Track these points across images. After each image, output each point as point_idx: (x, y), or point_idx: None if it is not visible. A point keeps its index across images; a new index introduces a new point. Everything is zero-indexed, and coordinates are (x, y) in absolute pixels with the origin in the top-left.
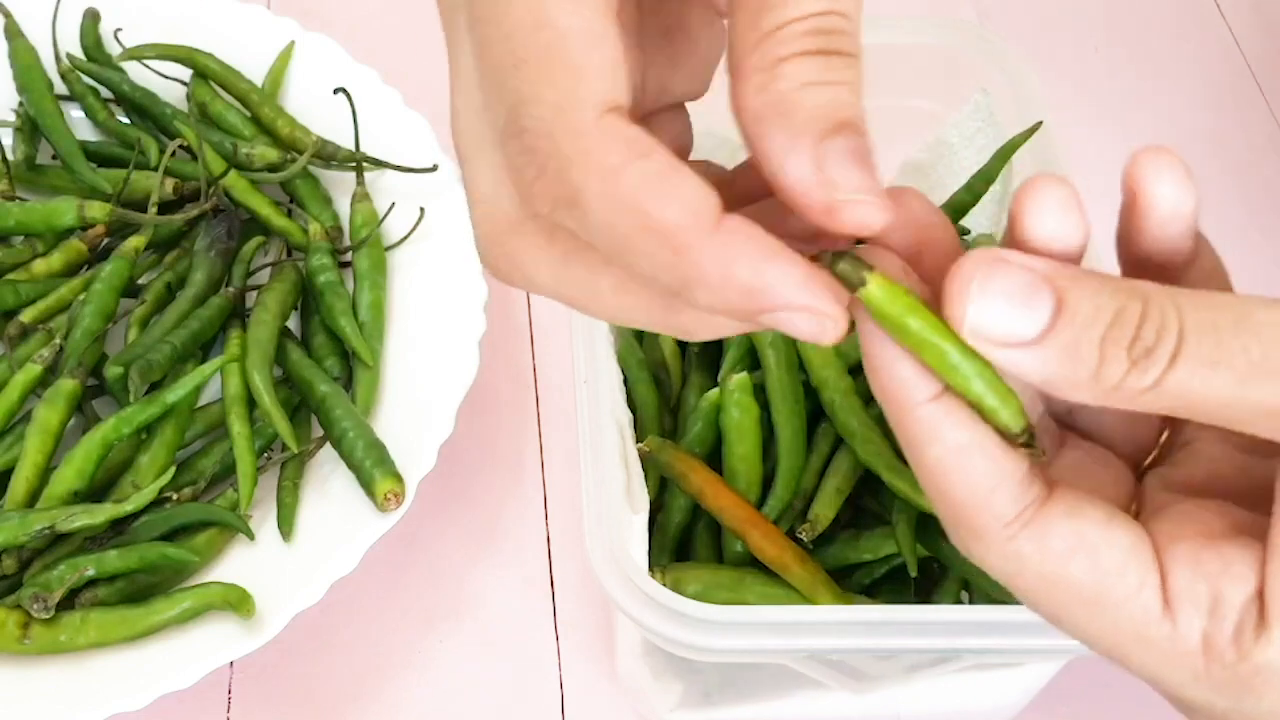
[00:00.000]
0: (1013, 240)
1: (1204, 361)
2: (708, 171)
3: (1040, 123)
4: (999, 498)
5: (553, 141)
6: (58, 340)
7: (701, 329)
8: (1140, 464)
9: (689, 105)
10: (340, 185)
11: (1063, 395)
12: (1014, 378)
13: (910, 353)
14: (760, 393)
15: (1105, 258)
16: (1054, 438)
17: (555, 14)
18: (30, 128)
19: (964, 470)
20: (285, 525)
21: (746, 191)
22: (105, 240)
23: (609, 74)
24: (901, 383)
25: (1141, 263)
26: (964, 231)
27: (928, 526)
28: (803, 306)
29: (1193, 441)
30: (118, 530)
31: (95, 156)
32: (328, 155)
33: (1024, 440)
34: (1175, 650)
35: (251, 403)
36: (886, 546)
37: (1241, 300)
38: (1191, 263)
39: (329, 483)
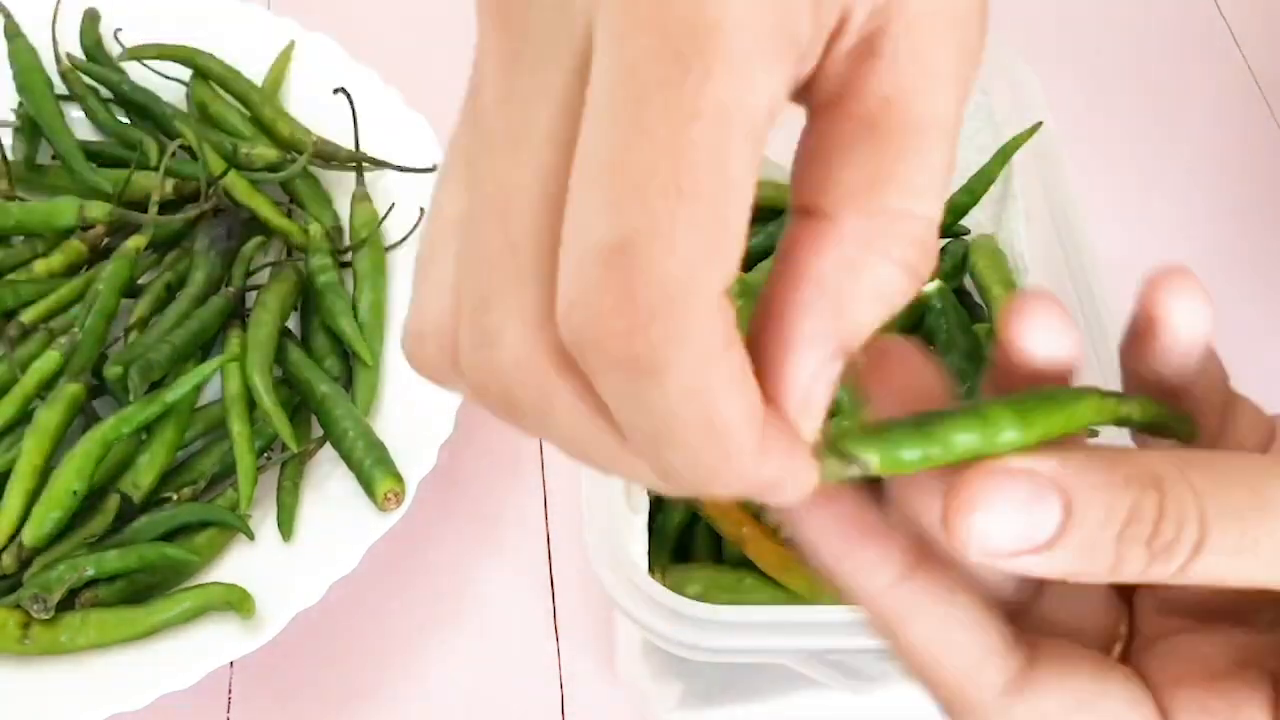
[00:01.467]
0: (1003, 363)
1: (1229, 550)
2: None
3: (1040, 123)
4: (987, 670)
5: (666, 301)
6: (76, 329)
7: (635, 476)
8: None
9: None
10: (340, 185)
11: (1080, 581)
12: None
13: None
14: None
15: (1103, 258)
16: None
17: (732, 150)
18: (30, 128)
19: (948, 646)
20: (285, 525)
21: None
22: (105, 240)
23: (741, 243)
24: (866, 570)
25: (1146, 378)
26: (964, 231)
27: None
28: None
29: None
30: (117, 530)
31: (95, 156)
32: (328, 155)
33: None
34: None
35: (251, 403)
36: None
37: (1259, 471)
38: (1198, 378)
39: (329, 483)
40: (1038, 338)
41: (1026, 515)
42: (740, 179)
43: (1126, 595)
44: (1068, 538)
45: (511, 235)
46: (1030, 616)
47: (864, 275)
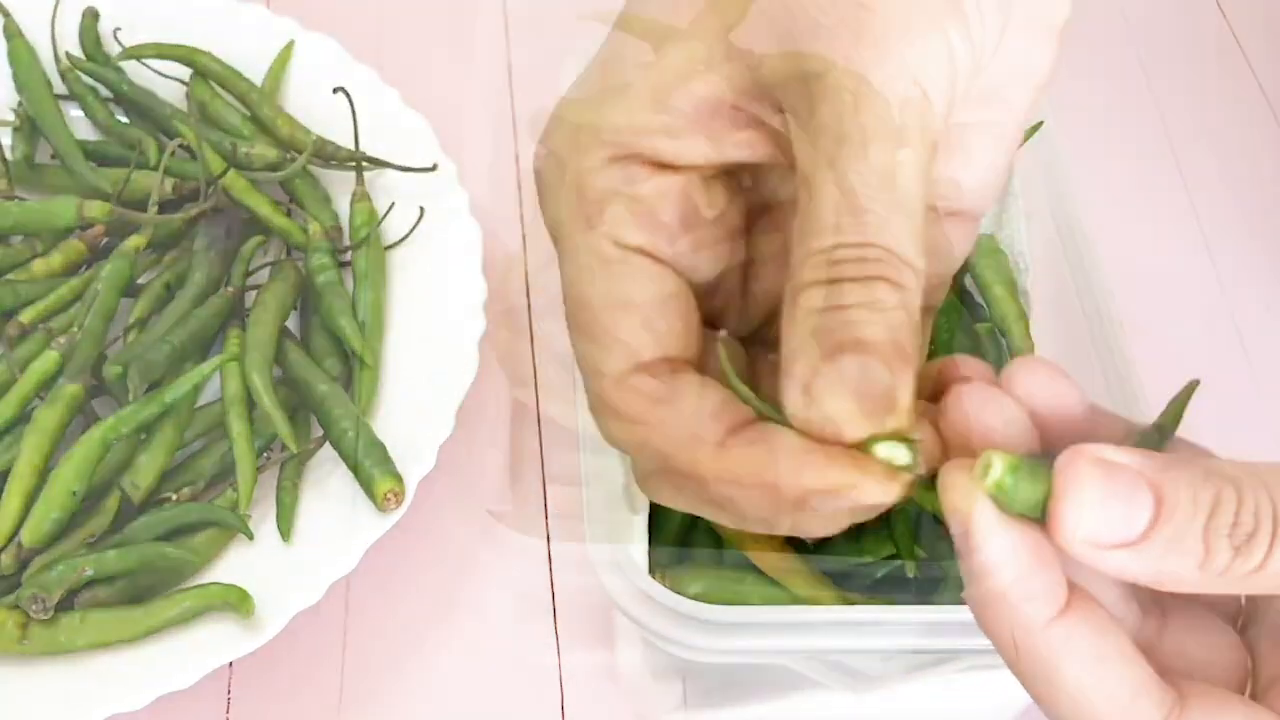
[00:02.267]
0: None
1: None
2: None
3: (1041, 123)
4: (1142, 705)
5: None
6: (75, 329)
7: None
8: (1237, 611)
9: None
10: (340, 185)
11: (1167, 588)
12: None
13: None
14: None
15: (1104, 258)
16: (1153, 612)
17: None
18: (29, 127)
19: (1106, 682)
20: (284, 525)
21: None
22: (104, 240)
23: (650, 335)
24: (1030, 602)
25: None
26: None
27: (927, 528)
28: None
29: None
30: (117, 530)
31: (95, 156)
32: (327, 155)
33: None
34: None
35: (251, 402)
36: (887, 547)
37: None
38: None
39: (328, 483)
40: (1038, 395)
41: (1125, 507)
42: (627, 303)
43: (1236, 623)
44: (1159, 530)
45: None
46: (1155, 657)
47: (803, 303)
